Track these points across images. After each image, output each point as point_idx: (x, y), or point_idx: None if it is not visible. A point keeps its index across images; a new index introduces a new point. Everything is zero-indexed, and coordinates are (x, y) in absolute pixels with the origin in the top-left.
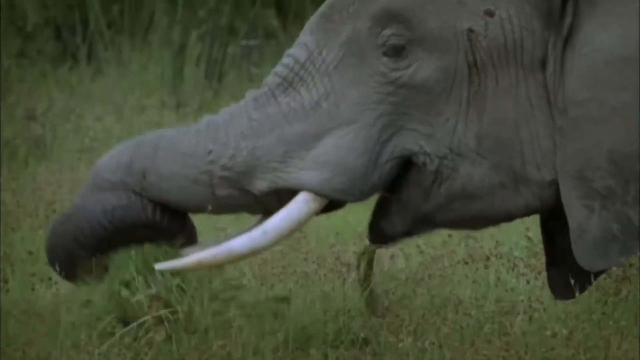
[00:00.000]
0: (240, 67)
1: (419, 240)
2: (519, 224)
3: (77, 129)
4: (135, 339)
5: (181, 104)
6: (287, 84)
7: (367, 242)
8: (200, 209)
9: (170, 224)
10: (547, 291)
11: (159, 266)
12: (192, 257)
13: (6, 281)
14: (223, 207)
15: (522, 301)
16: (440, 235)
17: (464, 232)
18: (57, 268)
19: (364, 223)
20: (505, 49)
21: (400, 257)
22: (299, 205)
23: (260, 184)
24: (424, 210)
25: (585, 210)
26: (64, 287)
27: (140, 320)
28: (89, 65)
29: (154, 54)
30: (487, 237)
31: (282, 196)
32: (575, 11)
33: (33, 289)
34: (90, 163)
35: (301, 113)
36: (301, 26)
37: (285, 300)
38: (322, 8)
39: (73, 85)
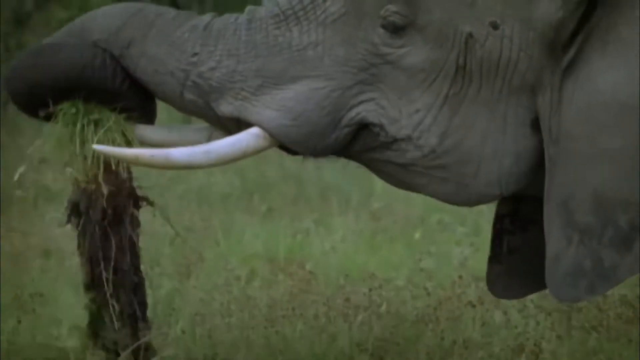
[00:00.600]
0: None
1: (428, 281)
2: None
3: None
4: None
5: None
6: (283, 18)
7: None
8: (164, 100)
9: (134, 99)
10: (556, 332)
11: (97, 147)
12: (130, 150)
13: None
14: (185, 108)
15: (528, 340)
16: (449, 277)
17: (474, 274)
18: (17, 98)
19: (372, 264)
20: (497, 64)
21: (409, 297)
22: (249, 137)
23: (226, 107)
24: (354, 153)
25: (564, 239)
26: (75, 327)
27: None
28: None
29: None
30: None
31: (242, 125)
32: (583, 45)
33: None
34: None
35: (286, 52)
36: None
37: None
38: None
39: None
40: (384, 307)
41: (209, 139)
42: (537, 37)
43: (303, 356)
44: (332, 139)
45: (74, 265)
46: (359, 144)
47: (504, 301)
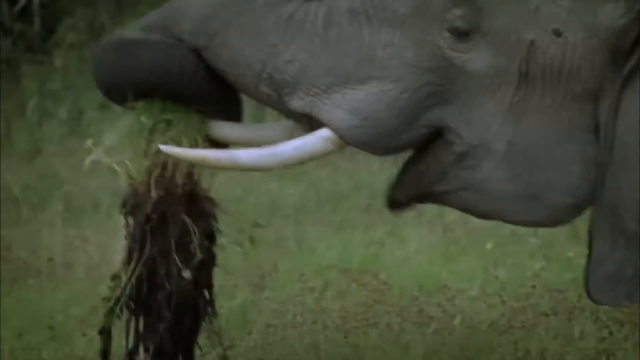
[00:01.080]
0: None
1: (501, 291)
2: None
3: None
4: None
5: None
6: (356, 14)
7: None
8: (242, 91)
9: (218, 101)
10: (630, 343)
11: (164, 147)
12: (198, 152)
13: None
14: (261, 100)
15: (606, 349)
16: (523, 288)
17: (547, 285)
18: (101, 90)
19: (446, 275)
20: (559, 71)
21: (483, 307)
22: (316, 140)
23: (297, 103)
24: (435, 188)
25: (610, 243)
26: None
27: None
28: None
29: None
30: (571, 288)
31: (313, 121)
32: None
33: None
34: None
35: (357, 51)
36: None
37: None
38: None
39: None
40: (457, 317)
41: (289, 138)
42: (599, 44)
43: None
44: (404, 140)
45: None
46: (432, 159)
47: (577, 312)
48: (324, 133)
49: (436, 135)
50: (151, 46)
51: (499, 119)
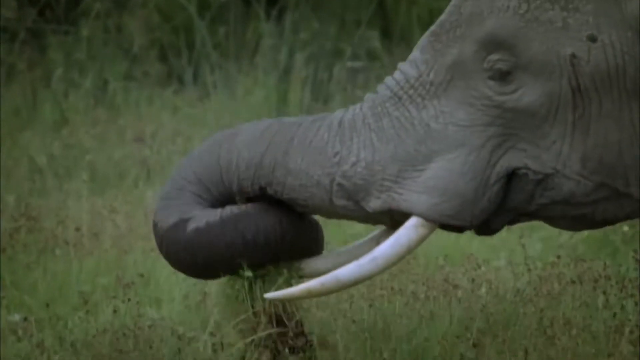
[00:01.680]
0: (345, 89)
1: (527, 260)
2: (627, 245)
3: (185, 152)
4: (242, 358)
5: None
6: (397, 99)
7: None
8: (315, 212)
9: (299, 246)
10: None
11: (269, 295)
12: (301, 287)
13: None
14: (338, 214)
15: (630, 321)
16: (549, 256)
17: (573, 254)
18: (185, 273)
19: (473, 245)
20: (608, 74)
21: (509, 276)
22: (409, 231)
23: (374, 203)
24: (526, 209)
25: None
26: (172, 309)
27: (247, 340)
28: (195, 88)
29: (260, 77)
30: (596, 258)
31: (394, 215)
32: None
33: (139, 314)
34: None
35: (412, 132)
36: (406, 48)
37: None
38: (433, 26)
39: (179, 108)
40: (483, 286)
41: (376, 245)
42: (636, 37)
43: (401, 334)
44: (485, 201)
45: None
46: (514, 193)
47: (603, 281)
48: (412, 222)
49: (510, 176)
50: (224, 226)
51: (567, 141)
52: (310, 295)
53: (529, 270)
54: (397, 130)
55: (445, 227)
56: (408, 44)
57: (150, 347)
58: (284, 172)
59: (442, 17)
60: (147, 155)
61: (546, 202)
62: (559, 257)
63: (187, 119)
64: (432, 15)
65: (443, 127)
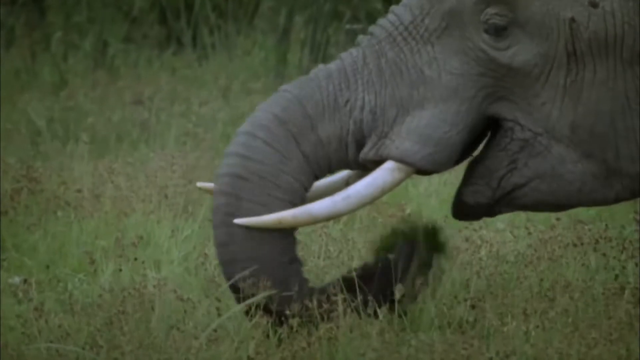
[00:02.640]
0: (345, 51)
1: (528, 222)
2: (628, 206)
3: (183, 113)
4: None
5: None
6: (392, 39)
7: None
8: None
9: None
10: None
11: (237, 221)
12: (272, 216)
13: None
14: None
15: (630, 283)
16: (548, 219)
17: (573, 216)
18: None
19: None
20: (605, 41)
21: (509, 239)
22: (384, 174)
23: (372, 153)
24: (509, 181)
25: None
26: (172, 271)
27: (241, 305)
28: (194, 50)
29: (259, 39)
30: (597, 220)
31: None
32: None
33: (144, 274)
34: (196, 148)
35: (406, 76)
36: None
37: None
38: None
39: (178, 70)
40: (483, 248)
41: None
42: (637, 5)
43: (399, 295)
44: (470, 151)
45: (174, 207)
46: (498, 151)
47: (602, 243)
48: (389, 165)
49: (496, 130)
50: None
51: (557, 104)
52: (281, 225)
53: (529, 233)
54: (393, 72)
55: (421, 172)
56: None
57: (153, 309)
58: (321, 148)
59: None
60: (146, 117)
61: (530, 176)
62: (558, 219)
63: (185, 81)
64: None
65: (437, 75)
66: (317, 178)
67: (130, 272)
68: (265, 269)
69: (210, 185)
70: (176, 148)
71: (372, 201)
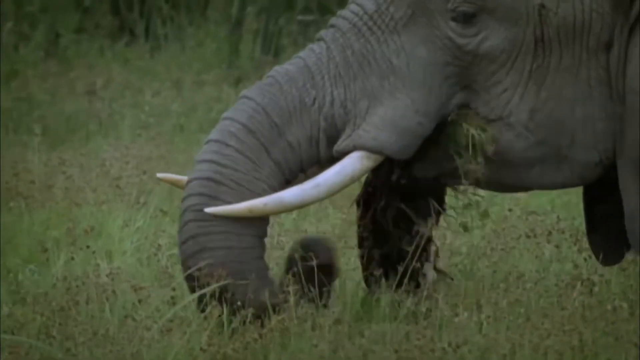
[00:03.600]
0: (297, 42)
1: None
2: (580, 198)
3: (136, 104)
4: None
5: (240, 79)
6: (357, 30)
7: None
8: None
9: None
10: (606, 269)
11: (209, 210)
12: (243, 205)
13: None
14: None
15: (582, 275)
16: (501, 210)
17: (526, 207)
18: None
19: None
20: (573, 28)
21: (460, 232)
22: (354, 162)
23: (344, 145)
24: (456, 162)
25: (639, 196)
26: (124, 262)
27: (195, 295)
28: (147, 41)
29: (211, 30)
30: (549, 211)
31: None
32: None
33: (97, 264)
34: (150, 139)
35: (375, 67)
36: None
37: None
38: None
39: (131, 61)
40: (437, 240)
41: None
42: None
43: (352, 287)
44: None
45: (127, 198)
46: (458, 136)
47: (555, 234)
48: (358, 153)
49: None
50: None
51: (519, 90)
52: (251, 213)
53: (482, 224)
54: (361, 64)
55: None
56: None
57: (107, 300)
58: (291, 152)
59: None
60: (99, 108)
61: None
62: (510, 210)
63: (138, 71)
64: None
65: (405, 64)
66: (288, 182)
67: (83, 263)
68: (230, 259)
69: (170, 176)
70: (130, 139)
71: (341, 189)
